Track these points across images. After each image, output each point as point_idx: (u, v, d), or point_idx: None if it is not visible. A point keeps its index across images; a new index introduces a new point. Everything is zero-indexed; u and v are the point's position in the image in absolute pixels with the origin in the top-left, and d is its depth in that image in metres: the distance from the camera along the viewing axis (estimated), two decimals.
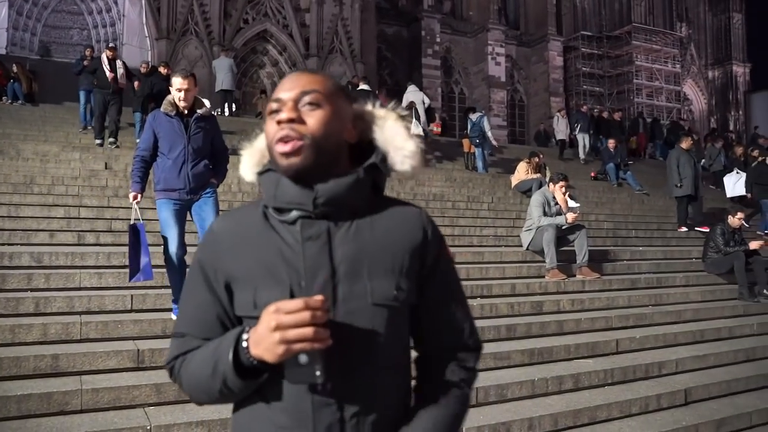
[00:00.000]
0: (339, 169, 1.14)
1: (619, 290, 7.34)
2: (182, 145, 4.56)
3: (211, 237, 1.21)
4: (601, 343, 5.69)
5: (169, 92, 4.68)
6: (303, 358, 1.00)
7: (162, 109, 4.65)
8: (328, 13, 25.92)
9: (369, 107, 1.27)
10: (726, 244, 8.11)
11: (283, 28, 25.37)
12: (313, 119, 1.12)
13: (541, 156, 12.12)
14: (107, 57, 11.15)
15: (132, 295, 4.88)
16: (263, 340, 1.00)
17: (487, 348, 5.14)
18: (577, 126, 17.45)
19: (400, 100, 15.38)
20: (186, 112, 4.60)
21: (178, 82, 4.51)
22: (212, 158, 4.77)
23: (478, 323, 4.79)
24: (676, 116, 35.30)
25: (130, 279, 4.63)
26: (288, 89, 1.14)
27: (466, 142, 14.53)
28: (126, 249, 4.89)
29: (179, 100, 4.53)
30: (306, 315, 0.98)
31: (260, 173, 1.20)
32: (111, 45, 11.74)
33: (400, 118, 1.25)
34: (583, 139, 17.59)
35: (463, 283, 4.83)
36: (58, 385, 3.68)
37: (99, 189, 8.10)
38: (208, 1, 24.08)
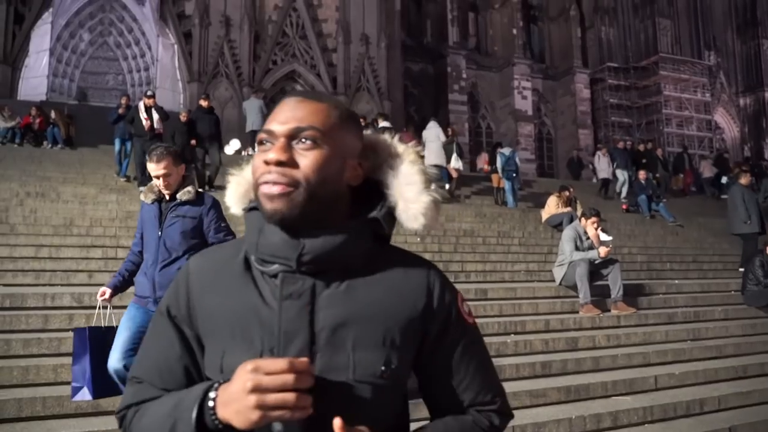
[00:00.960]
0: (335, 217, 0.98)
1: (655, 325, 7.21)
2: (154, 240, 3.65)
3: (184, 277, 1.04)
4: (639, 380, 5.58)
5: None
6: (277, 427, 0.88)
7: (141, 197, 3.88)
8: (355, 53, 26.39)
9: (386, 138, 1.09)
10: (766, 276, 7.94)
11: (310, 68, 25.87)
12: (308, 162, 0.94)
13: (572, 189, 12.06)
14: (144, 105, 11.01)
15: None
16: (235, 402, 0.85)
17: (523, 385, 5.13)
18: (614, 164, 17.00)
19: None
20: (169, 197, 3.70)
21: (152, 169, 3.58)
22: None
23: (512, 360, 4.80)
24: (716, 149, 34.84)
25: (72, 397, 3.70)
26: (282, 121, 0.97)
27: (495, 177, 14.54)
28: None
29: (161, 186, 3.64)
30: (290, 378, 0.84)
31: (246, 210, 1.05)
32: (149, 93, 11.39)
33: (417, 159, 1.06)
34: (622, 176, 16.95)
35: (497, 319, 4.86)
36: (98, 424, 3.75)
37: (135, 230, 8.27)
38: (238, 44, 24.74)
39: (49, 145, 15.69)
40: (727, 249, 11.99)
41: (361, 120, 13.45)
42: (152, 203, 3.70)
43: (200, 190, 3.83)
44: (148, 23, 24.02)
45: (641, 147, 18.95)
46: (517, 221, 12.17)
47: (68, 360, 4.41)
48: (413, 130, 16.88)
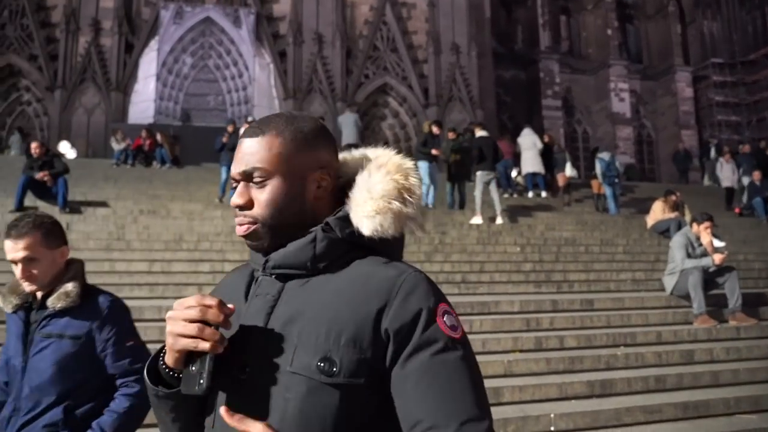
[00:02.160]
0: (308, 229, 1.05)
1: None
2: (16, 374, 2.18)
3: (217, 286, 1.20)
4: (765, 397, 5.20)
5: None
6: (195, 365, 0.94)
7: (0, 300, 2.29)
8: (446, 63, 26.37)
9: (362, 153, 1.13)
10: None
11: (402, 80, 26.07)
12: (261, 199, 1.04)
13: (678, 194, 11.49)
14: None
15: None
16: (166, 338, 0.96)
17: (636, 400, 4.90)
18: (740, 170, 15.68)
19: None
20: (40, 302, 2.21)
21: (8, 249, 2.16)
22: (98, 398, 2.18)
23: (624, 374, 4.61)
24: None
25: None
26: (235, 164, 1.07)
27: (595, 183, 14.08)
28: None
29: (22, 282, 2.17)
30: (195, 310, 0.93)
31: None
32: (250, 119, 10.92)
33: (398, 170, 1.07)
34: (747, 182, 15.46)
35: (605, 331, 4.69)
36: None
37: (240, 244, 8.55)
38: (330, 60, 25.32)
39: (158, 165, 16.60)
40: None
41: (451, 132, 13.20)
42: (15, 311, 2.23)
43: (91, 286, 2.37)
44: (245, 45, 25.01)
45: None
46: (620, 228, 11.70)
47: None
48: (509, 138, 16.62)
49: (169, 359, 0.97)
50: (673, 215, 10.86)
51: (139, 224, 9.31)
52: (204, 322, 0.93)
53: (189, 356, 0.95)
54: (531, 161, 14.65)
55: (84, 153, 21.07)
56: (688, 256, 7.04)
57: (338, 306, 0.98)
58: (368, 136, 24.79)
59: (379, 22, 26.13)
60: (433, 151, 12.21)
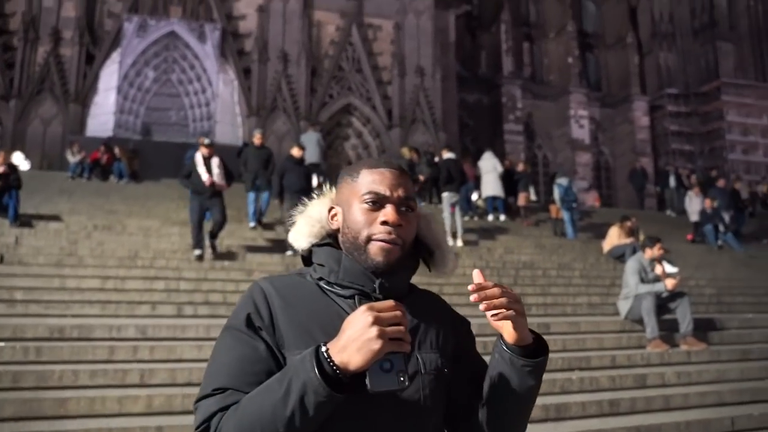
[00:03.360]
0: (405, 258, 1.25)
1: (729, 362, 6.87)
2: None
3: (260, 294, 1.19)
4: (715, 421, 5.29)
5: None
6: (387, 365, 1.00)
7: None
8: (410, 85, 26.61)
9: None
10: None
11: (366, 101, 26.20)
12: (410, 226, 1.23)
13: (634, 219, 11.73)
14: (203, 155, 8.94)
15: None
16: (355, 341, 0.99)
17: (590, 424, 4.93)
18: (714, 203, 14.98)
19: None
20: None
21: None
22: None
23: (578, 398, 4.66)
24: None
25: None
26: (392, 187, 1.21)
27: (553, 207, 14.29)
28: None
29: None
30: (399, 313, 1.01)
31: (317, 245, 1.27)
32: (206, 141, 9.19)
33: (434, 217, 1.37)
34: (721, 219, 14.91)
35: (560, 354, 4.74)
36: None
37: (197, 262, 8.44)
38: (295, 79, 25.31)
39: (116, 180, 16.28)
40: None
41: (414, 153, 13.74)
42: None
43: None
44: (209, 60, 24.85)
45: (738, 186, 17.44)
46: (577, 253, 11.88)
47: (133, 392, 4.49)
48: (471, 161, 16.81)
49: (362, 357, 0.99)
50: (628, 241, 11.08)
51: (93, 240, 9.09)
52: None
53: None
54: (491, 185, 14.81)
55: (38, 165, 20.57)
56: (642, 281, 7.17)
57: (434, 320, 1.26)
58: (331, 155, 24.79)
59: (344, 42, 26.29)
60: (420, 177, 12.79)
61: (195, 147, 12.72)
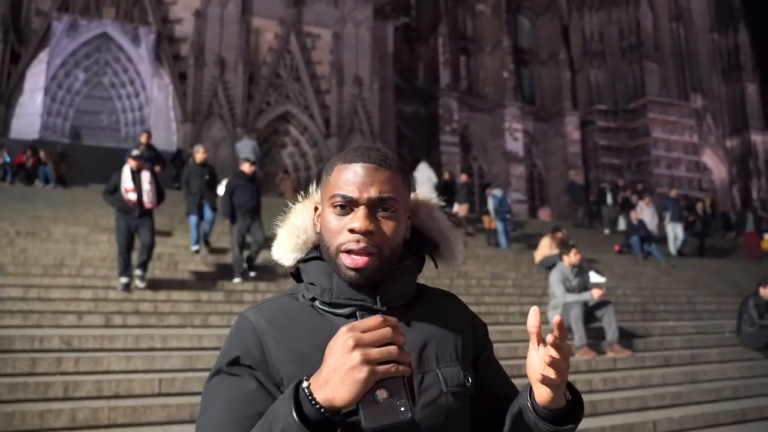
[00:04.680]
0: (394, 263, 1.08)
1: (652, 368, 7.16)
2: None
3: (248, 329, 1.05)
4: (638, 425, 5.51)
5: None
6: (383, 393, 0.82)
7: None
8: (348, 94, 26.68)
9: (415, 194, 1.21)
10: (761, 317, 7.92)
11: (304, 109, 26.10)
12: (389, 229, 1.04)
13: (564, 230, 12.09)
14: (131, 168, 7.81)
15: (160, 379, 4.85)
16: (336, 372, 0.82)
17: None
18: (666, 215, 15.14)
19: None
20: None
21: None
22: None
23: None
24: (704, 189, 35.29)
25: None
26: (362, 187, 1.03)
27: (486, 218, 14.58)
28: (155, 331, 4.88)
29: None
30: (387, 331, 0.83)
31: (304, 260, 1.11)
32: (135, 153, 8.05)
33: (442, 207, 1.22)
34: (673, 230, 15.01)
35: None
36: None
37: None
38: (232, 85, 24.96)
39: (41, 184, 15.64)
40: (722, 290, 11.99)
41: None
42: None
43: None
44: (144, 64, 24.24)
45: (699, 206, 17.31)
46: (510, 263, 12.15)
47: (56, 405, 4.31)
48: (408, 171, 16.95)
49: (347, 390, 0.81)
50: (559, 251, 11.41)
51: (15, 247, 8.69)
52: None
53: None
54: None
55: None
56: (567, 290, 7.39)
57: (451, 328, 1.13)
58: (268, 163, 24.57)
59: (283, 50, 26.13)
60: (459, 211, 13.03)
61: (134, 146, 12.46)
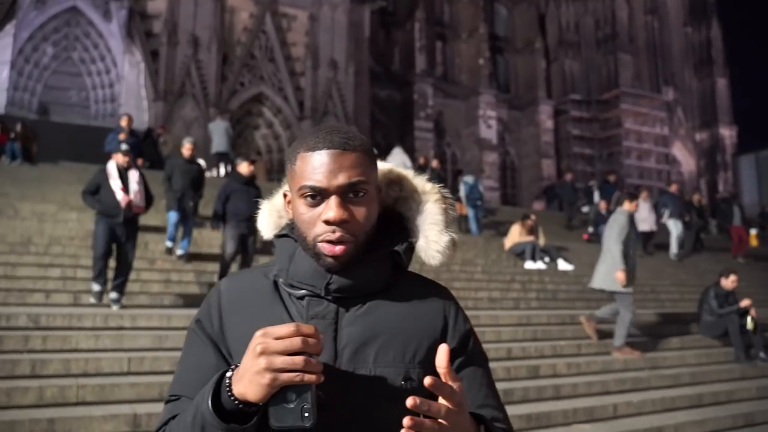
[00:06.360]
0: (364, 249, 1.05)
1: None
2: None
3: (216, 297, 1.10)
4: (599, 408, 5.67)
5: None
6: (291, 396, 0.87)
7: None
8: (323, 77, 26.54)
9: (408, 174, 1.17)
10: (720, 306, 8.16)
11: (278, 91, 25.92)
12: (362, 215, 1.02)
13: (533, 218, 12.26)
14: (118, 164, 6.86)
15: (129, 358, 4.86)
16: (247, 371, 0.86)
17: None
18: (665, 211, 14.37)
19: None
20: None
21: None
22: None
23: None
24: (673, 182, 35.94)
25: None
26: (330, 175, 1.00)
27: (458, 204, 14.70)
28: (125, 311, 4.86)
29: None
30: (297, 341, 0.85)
31: (277, 236, 1.12)
32: (124, 148, 7.01)
33: (442, 199, 1.14)
34: (676, 228, 14.22)
35: None
36: None
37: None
38: (205, 65, 24.65)
39: (8, 161, 15.31)
40: (684, 279, 12.28)
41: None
42: None
43: None
44: (115, 40, 23.80)
45: (696, 198, 16.56)
46: (480, 249, 12.28)
47: (23, 383, 4.30)
48: (381, 157, 16.98)
49: (253, 391, 0.86)
50: (529, 239, 11.58)
51: None
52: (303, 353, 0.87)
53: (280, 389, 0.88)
54: None
55: None
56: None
57: (406, 327, 1.04)
58: (240, 144, 24.39)
59: (258, 30, 25.86)
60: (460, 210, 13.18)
61: (116, 131, 11.59)
